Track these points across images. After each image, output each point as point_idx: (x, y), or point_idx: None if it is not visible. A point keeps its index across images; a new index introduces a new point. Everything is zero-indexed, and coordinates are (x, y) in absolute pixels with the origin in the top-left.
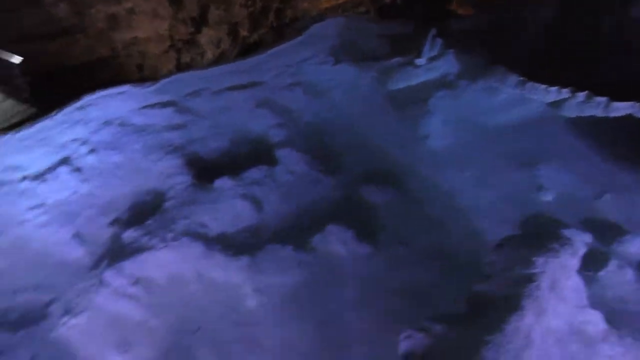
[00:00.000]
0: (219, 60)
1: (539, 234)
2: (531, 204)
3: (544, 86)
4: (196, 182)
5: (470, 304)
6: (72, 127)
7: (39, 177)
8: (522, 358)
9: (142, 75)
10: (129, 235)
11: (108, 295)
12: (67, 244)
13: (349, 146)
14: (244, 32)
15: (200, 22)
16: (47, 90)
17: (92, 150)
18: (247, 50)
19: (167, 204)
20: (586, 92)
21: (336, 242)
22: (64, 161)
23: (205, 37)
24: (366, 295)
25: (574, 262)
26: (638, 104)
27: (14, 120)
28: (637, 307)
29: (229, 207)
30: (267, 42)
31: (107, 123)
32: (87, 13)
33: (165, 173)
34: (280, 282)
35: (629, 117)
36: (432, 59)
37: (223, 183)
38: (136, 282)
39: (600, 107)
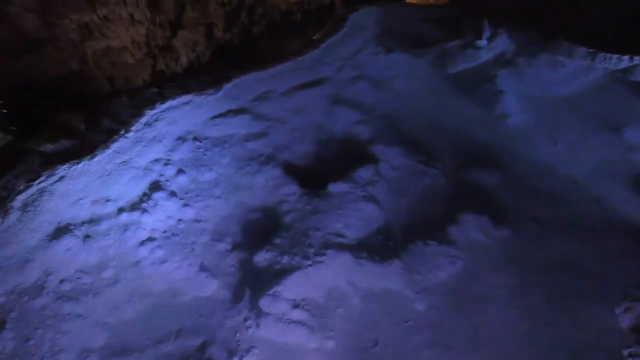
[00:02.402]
0: (193, 63)
1: None
2: (630, 164)
3: (615, 55)
4: (307, 191)
5: None
6: (149, 146)
7: (136, 207)
8: None
9: (113, 88)
10: (262, 258)
11: (272, 325)
12: (196, 279)
13: (433, 133)
14: (218, 33)
15: (176, 24)
16: (18, 111)
17: (180, 171)
18: (220, 51)
19: (288, 218)
20: None
21: (474, 229)
22: (155, 186)
23: (181, 40)
24: (527, 276)
25: None
26: None
27: None
28: None
29: (355, 211)
30: (237, 42)
31: (182, 139)
32: (58, 24)
33: (269, 186)
34: (437, 279)
35: None
36: (488, 40)
37: (339, 187)
38: (297, 305)
39: None
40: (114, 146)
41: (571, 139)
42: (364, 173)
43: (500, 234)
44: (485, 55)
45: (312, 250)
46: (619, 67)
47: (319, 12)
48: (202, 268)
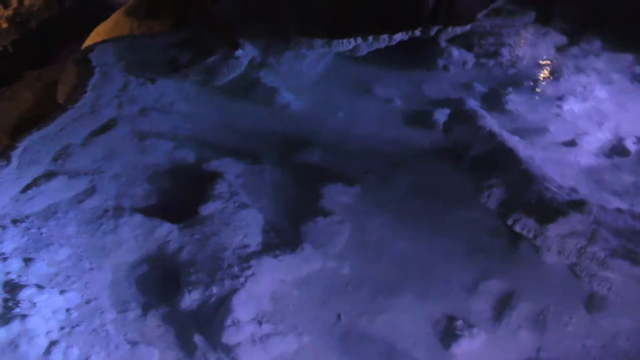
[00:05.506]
0: None
1: (454, 114)
2: (398, 110)
3: (345, 40)
4: (180, 223)
5: (473, 163)
6: None
7: (9, 316)
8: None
9: None
10: (189, 300)
11: (250, 350)
12: (133, 357)
13: (240, 138)
14: None
15: None
16: None
17: (27, 260)
18: None
19: (184, 255)
20: (372, 35)
21: (338, 195)
22: (12, 286)
23: None
24: (397, 211)
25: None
26: (405, 32)
27: None
28: None
29: (241, 221)
30: None
31: (0, 226)
32: None
33: (139, 235)
34: (342, 243)
35: (403, 41)
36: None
37: (211, 208)
38: (259, 321)
39: (385, 42)
40: None
41: (344, 106)
42: (220, 188)
43: (355, 191)
44: (244, 63)
45: (235, 269)
46: (349, 48)
47: None
48: (132, 343)
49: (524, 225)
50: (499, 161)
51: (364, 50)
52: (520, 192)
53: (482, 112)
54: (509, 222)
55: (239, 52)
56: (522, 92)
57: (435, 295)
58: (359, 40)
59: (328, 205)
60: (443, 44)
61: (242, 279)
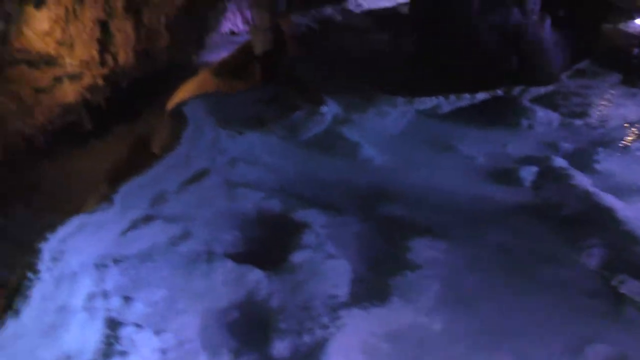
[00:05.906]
0: None
1: (545, 171)
2: (481, 168)
3: (427, 98)
4: (270, 271)
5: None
6: (73, 282)
7: (111, 353)
8: None
9: None
10: (281, 347)
11: None
12: None
13: (325, 191)
14: None
15: None
16: None
17: (126, 299)
18: None
19: (274, 302)
20: (455, 94)
21: (426, 250)
22: (114, 323)
23: None
24: (487, 267)
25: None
26: (488, 92)
27: None
28: None
29: (330, 271)
30: None
31: (102, 265)
32: None
33: (230, 280)
34: (431, 300)
35: (486, 100)
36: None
37: (300, 256)
38: None
39: (467, 100)
40: (35, 293)
41: (426, 162)
42: (307, 238)
43: (442, 246)
44: (328, 119)
45: (325, 318)
46: (430, 106)
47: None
48: None
49: (632, 287)
50: (597, 220)
51: (445, 108)
52: (625, 253)
53: (574, 170)
54: (614, 283)
55: (324, 109)
56: (613, 153)
57: (536, 356)
58: (441, 98)
59: (415, 258)
60: (526, 103)
61: (332, 329)
